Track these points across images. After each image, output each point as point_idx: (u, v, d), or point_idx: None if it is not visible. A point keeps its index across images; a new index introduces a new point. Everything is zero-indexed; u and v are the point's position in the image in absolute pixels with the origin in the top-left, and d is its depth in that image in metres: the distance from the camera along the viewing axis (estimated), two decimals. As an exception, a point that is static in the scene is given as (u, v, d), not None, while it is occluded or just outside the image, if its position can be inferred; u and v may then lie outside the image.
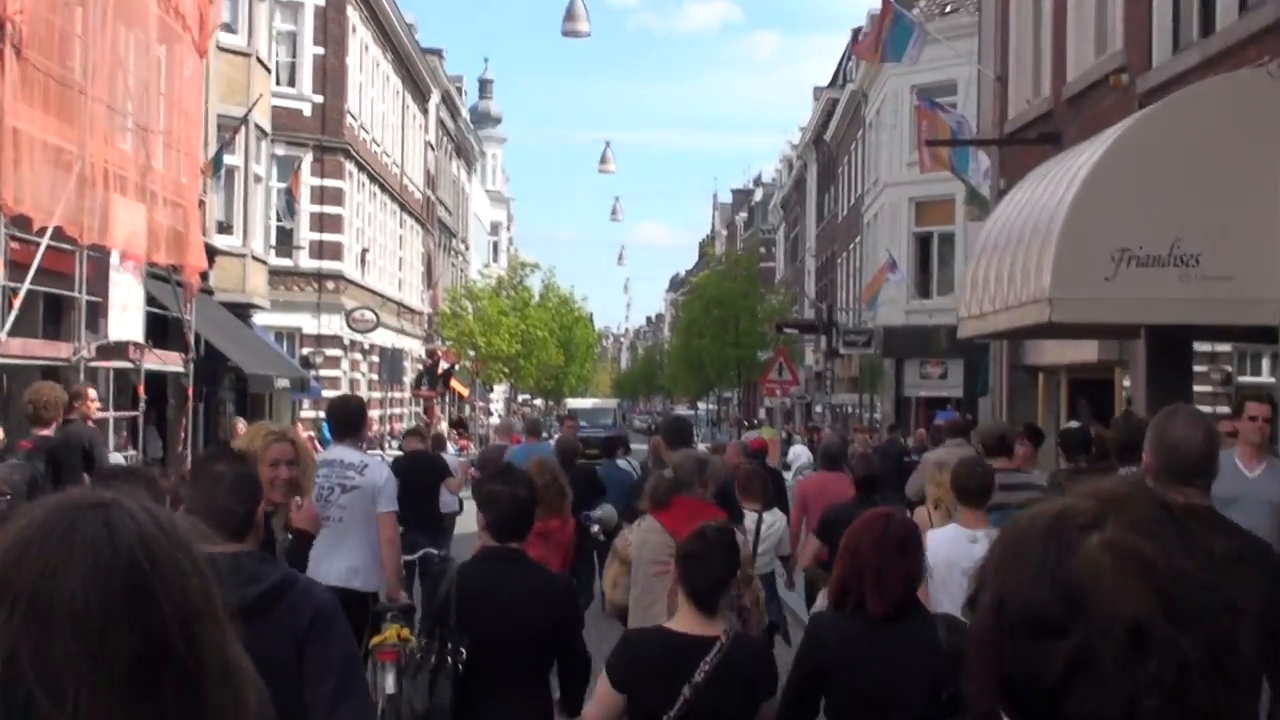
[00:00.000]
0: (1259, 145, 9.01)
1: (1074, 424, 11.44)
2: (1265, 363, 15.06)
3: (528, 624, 4.74)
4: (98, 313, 14.89)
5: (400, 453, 15.28)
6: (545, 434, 18.30)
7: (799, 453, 27.21)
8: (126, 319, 15.48)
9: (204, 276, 19.73)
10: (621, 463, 13.93)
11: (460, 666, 4.67)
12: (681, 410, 78.66)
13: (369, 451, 8.81)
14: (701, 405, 79.82)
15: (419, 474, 11.58)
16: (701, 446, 20.76)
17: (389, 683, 7.22)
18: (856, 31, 48.74)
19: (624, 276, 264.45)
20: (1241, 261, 8.91)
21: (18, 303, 12.68)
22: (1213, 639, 1.30)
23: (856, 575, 4.21)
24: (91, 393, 10.69)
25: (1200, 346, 12.70)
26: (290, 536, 5.17)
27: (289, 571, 3.72)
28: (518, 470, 5.51)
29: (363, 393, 37.59)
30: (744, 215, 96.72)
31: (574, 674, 4.95)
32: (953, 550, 6.03)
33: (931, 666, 4.02)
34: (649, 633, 4.64)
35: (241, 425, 16.23)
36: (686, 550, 4.45)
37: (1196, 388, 12.36)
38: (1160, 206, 9.08)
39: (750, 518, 8.42)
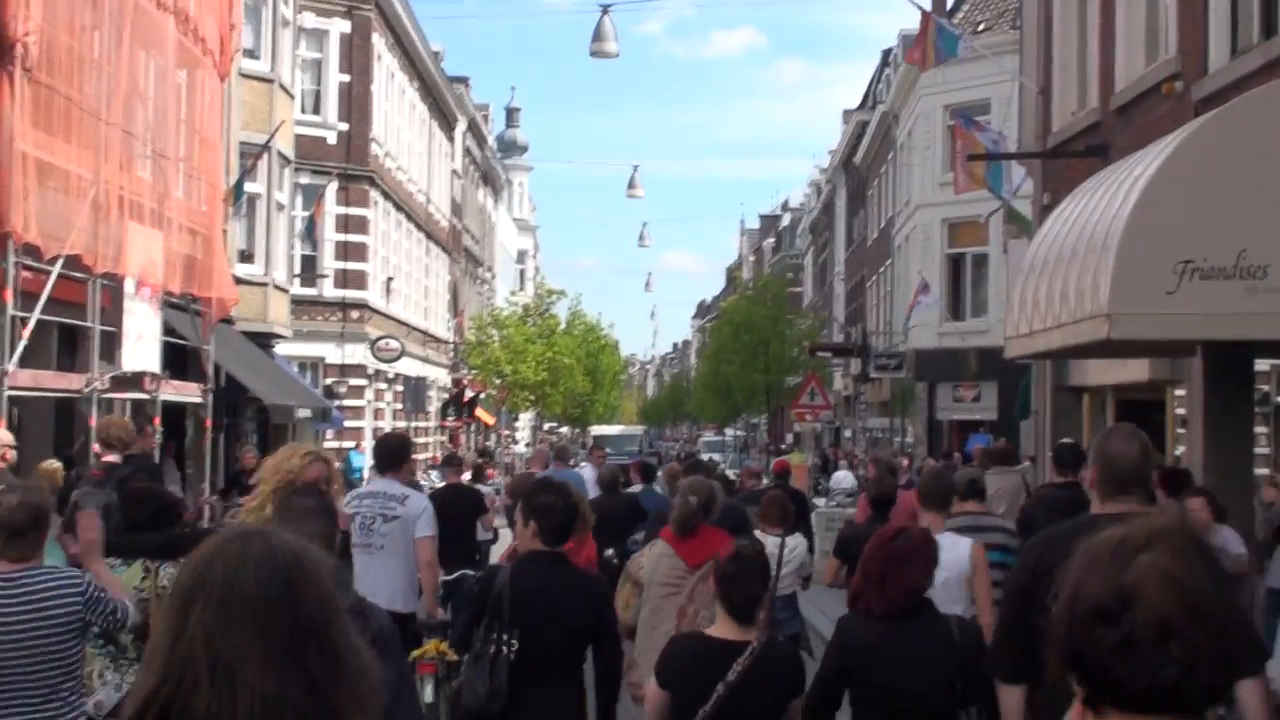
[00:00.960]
0: (1331, 149, 8.48)
1: (1067, 440, 11.54)
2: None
3: (571, 618, 5.40)
4: (112, 343, 14.47)
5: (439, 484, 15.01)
6: (572, 461, 17.87)
7: (842, 477, 26.72)
8: (142, 349, 15.06)
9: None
10: (658, 488, 13.94)
11: (512, 655, 5.30)
12: (709, 436, 78.52)
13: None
14: (729, 431, 79.21)
15: (457, 508, 11.39)
16: (731, 473, 20.39)
17: (428, 692, 7.84)
18: (887, 53, 48.35)
19: (651, 303, 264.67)
20: (1314, 273, 8.36)
21: (27, 333, 12.29)
22: (1219, 633, 1.85)
23: (865, 581, 4.87)
24: (149, 428, 11.53)
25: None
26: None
27: (351, 593, 4.30)
28: (557, 482, 6.11)
29: (387, 422, 37.30)
30: (771, 241, 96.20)
31: (610, 661, 5.59)
32: None
33: (946, 661, 4.68)
34: (690, 637, 5.24)
35: (251, 455, 15.81)
36: (725, 571, 4.90)
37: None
38: (1226, 216, 8.53)
39: (773, 542, 8.47)
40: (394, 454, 8.45)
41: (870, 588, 4.82)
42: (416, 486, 9.78)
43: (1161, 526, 1.93)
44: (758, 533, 8.64)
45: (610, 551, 10.36)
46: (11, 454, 9.58)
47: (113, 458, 9.30)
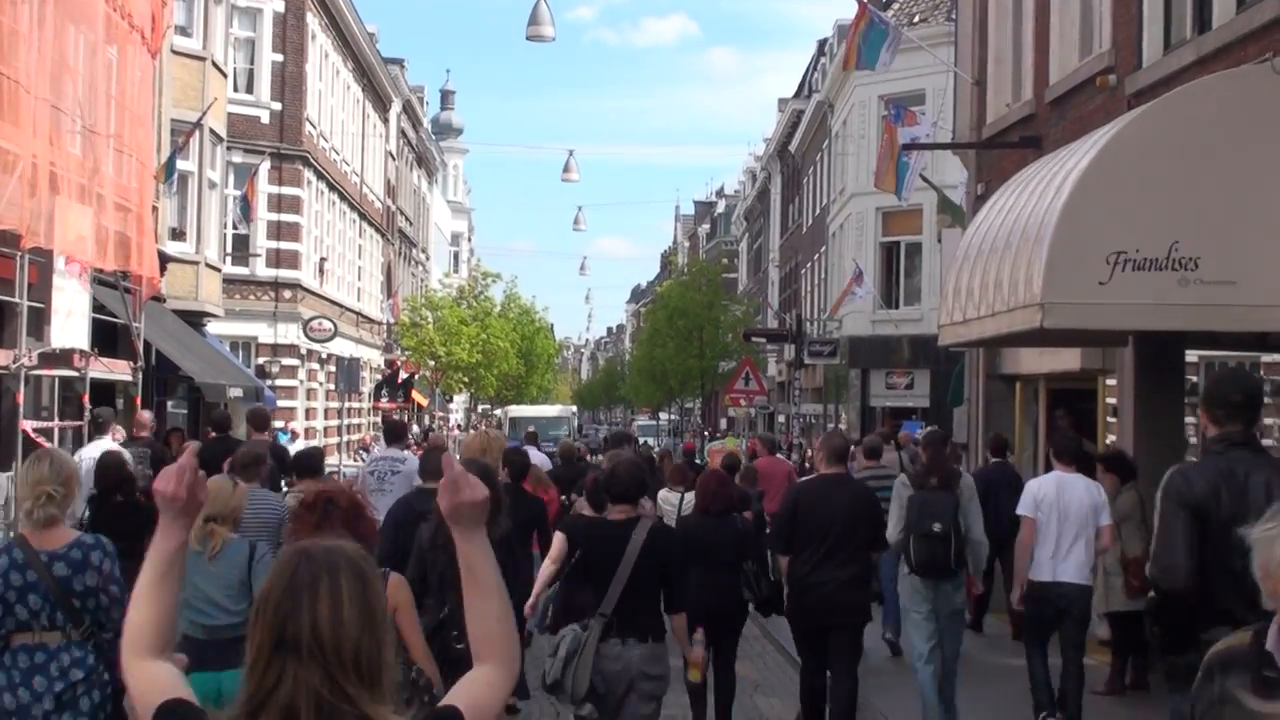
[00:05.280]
0: (1262, 144, 8.61)
1: (934, 428, 14.71)
2: (1234, 374, 14.68)
3: (521, 516, 8.73)
4: (41, 319, 14.24)
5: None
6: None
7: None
8: (71, 326, 14.83)
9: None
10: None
11: None
12: (643, 420, 78.70)
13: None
14: (663, 415, 79.33)
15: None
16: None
17: None
18: (822, 43, 48.47)
19: (585, 287, 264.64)
20: (1244, 265, 8.49)
21: (-47, 308, 12.07)
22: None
23: (697, 496, 9.61)
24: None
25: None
26: None
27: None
28: (520, 450, 11.59)
29: (319, 402, 36.96)
30: (706, 227, 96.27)
31: (544, 538, 8.90)
32: None
33: (737, 540, 9.13)
34: (574, 517, 9.06)
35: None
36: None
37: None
38: (1158, 208, 8.65)
39: (675, 496, 12.00)
40: (397, 432, 12.95)
41: (698, 499, 9.45)
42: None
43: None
44: (666, 490, 12.43)
45: (563, 498, 13.85)
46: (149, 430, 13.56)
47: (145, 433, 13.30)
